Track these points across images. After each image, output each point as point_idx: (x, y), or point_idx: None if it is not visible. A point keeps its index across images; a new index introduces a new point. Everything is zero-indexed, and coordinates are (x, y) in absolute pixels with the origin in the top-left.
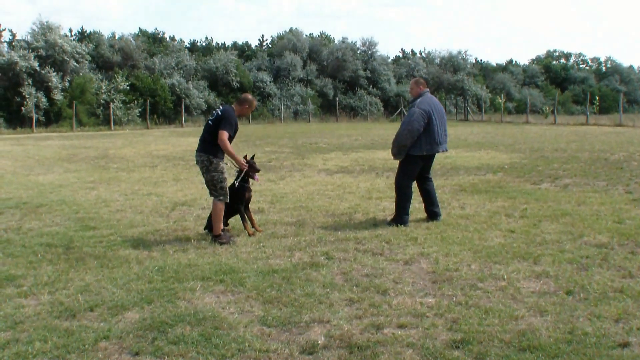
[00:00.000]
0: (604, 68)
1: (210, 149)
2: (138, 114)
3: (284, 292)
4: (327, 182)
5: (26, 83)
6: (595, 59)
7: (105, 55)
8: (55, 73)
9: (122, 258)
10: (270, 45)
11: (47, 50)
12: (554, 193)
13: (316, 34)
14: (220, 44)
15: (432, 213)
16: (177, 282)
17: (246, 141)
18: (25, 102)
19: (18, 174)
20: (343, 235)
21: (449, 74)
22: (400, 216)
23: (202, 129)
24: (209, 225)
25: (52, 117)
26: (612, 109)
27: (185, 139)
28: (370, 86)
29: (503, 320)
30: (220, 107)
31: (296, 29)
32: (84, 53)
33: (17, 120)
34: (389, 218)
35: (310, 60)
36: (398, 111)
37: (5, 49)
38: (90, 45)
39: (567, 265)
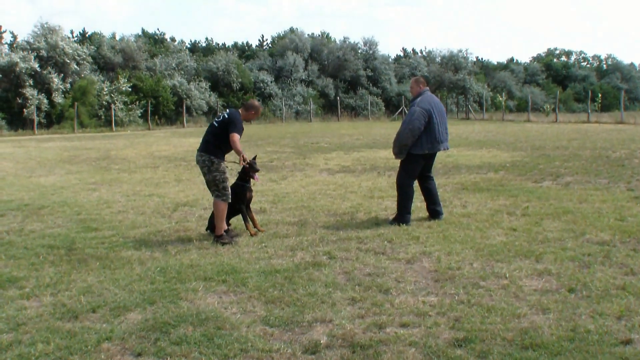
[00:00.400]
0: (605, 66)
1: (212, 150)
2: (139, 115)
3: (286, 292)
4: (328, 182)
5: (27, 85)
6: (596, 57)
7: (107, 57)
8: (56, 75)
9: (124, 259)
10: (270, 46)
11: (48, 51)
12: (555, 191)
13: (317, 33)
14: (220, 45)
15: (434, 212)
16: (179, 282)
17: (248, 141)
18: (27, 104)
19: (20, 176)
20: (345, 235)
21: (450, 73)
22: (402, 215)
23: (203, 129)
24: (211, 226)
25: (53, 119)
26: (613, 106)
27: (186, 139)
28: (372, 85)
29: (505, 318)
30: (227, 110)
31: (297, 28)
32: (85, 55)
33: (19, 122)
34: (391, 217)
35: (312, 60)
36: (399, 110)
37: (6, 50)
38: (92, 47)
39: (569, 263)
